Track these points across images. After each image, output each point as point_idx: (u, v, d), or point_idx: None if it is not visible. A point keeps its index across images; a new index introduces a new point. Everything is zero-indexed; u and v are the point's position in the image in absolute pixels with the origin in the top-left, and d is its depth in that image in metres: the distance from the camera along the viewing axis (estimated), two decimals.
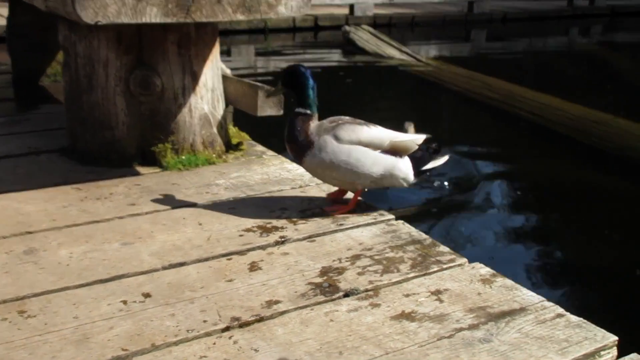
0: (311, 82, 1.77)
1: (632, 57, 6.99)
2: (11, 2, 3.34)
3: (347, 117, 1.82)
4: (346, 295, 1.32)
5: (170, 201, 1.82)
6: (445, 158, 1.93)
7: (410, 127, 3.81)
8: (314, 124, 1.74)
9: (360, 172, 1.75)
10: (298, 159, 1.76)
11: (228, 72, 2.33)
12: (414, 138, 1.85)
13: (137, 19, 1.67)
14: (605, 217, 2.74)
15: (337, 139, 1.73)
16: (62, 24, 2.08)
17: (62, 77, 2.24)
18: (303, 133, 1.71)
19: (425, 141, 1.86)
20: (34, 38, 3.21)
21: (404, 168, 1.80)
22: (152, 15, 1.69)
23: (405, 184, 1.84)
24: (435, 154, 1.91)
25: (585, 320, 1.22)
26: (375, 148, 1.77)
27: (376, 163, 1.76)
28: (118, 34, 1.94)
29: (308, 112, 1.73)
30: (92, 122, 2.07)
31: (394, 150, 1.80)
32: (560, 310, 1.26)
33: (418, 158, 1.84)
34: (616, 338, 1.16)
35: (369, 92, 4.61)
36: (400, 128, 3.78)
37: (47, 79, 3.34)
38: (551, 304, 1.29)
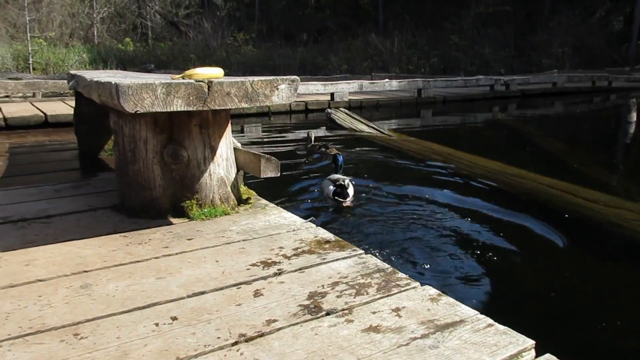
0: (339, 161, 3.61)
1: (537, 126, 7.08)
2: (77, 96, 3.37)
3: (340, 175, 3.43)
4: (327, 314, 1.29)
5: (195, 244, 1.79)
6: (347, 199, 3.22)
7: (312, 132, 4.87)
8: None
9: (323, 189, 3.31)
10: None
11: (238, 144, 2.33)
12: (341, 178, 3.27)
13: (167, 108, 1.68)
14: (521, 246, 2.71)
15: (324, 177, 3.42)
16: (112, 112, 2.09)
17: (113, 151, 2.24)
18: None
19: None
20: (94, 123, 3.22)
21: (331, 190, 3.20)
22: (178, 105, 1.70)
23: (330, 198, 3.21)
24: (343, 190, 3.19)
25: (509, 329, 1.19)
26: (332, 183, 3.23)
27: (325, 186, 3.29)
28: (154, 118, 1.95)
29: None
30: (135, 185, 2.06)
31: (334, 182, 3.23)
32: (491, 321, 1.24)
33: (337, 186, 3.19)
34: (533, 342, 1.13)
35: (346, 154, 4.65)
36: (307, 134, 4.85)
37: (104, 153, 3.35)
38: (483, 316, 1.26)
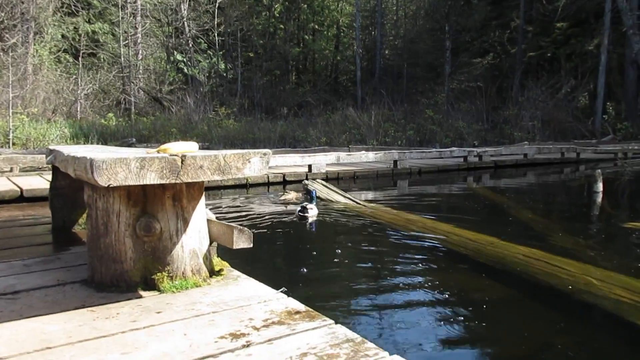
0: (313, 194, 5.52)
1: (509, 196, 7.27)
2: (53, 170, 3.39)
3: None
4: None
5: (164, 317, 1.77)
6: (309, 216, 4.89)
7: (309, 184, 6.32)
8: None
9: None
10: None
11: (212, 216, 2.36)
12: (308, 204, 4.96)
13: (140, 182, 1.72)
14: (497, 315, 2.72)
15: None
16: (87, 186, 2.12)
17: (86, 225, 2.24)
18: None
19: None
20: (69, 197, 3.23)
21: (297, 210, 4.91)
22: (151, 178, 1.74)
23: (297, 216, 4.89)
24: (305, 210, 4.88)
25: None
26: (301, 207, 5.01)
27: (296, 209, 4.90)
28: (128, 191, 1.98)
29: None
30: (106, 258, 2.05)
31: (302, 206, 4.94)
32: None
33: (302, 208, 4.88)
34: None
35: (321, 224, 4.68)
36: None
37: (77, 227, 3.32)
38: None
